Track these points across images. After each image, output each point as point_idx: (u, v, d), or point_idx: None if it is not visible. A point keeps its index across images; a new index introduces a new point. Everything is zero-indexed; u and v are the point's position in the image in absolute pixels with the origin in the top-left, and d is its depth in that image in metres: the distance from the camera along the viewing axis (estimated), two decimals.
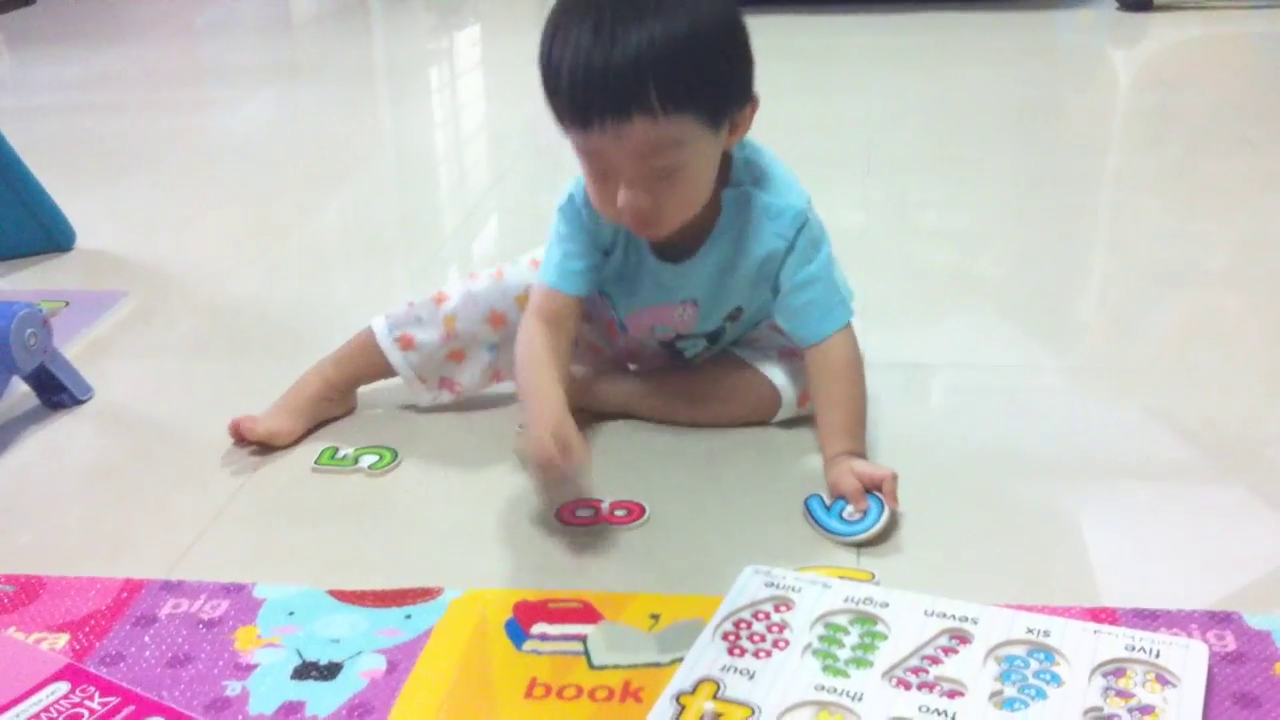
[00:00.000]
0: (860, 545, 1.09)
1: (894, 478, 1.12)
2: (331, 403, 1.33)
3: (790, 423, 1.29)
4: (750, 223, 1.19)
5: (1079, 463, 1.22)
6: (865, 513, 1.11)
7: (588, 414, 1.29)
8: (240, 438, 1.28)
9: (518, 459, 1.18)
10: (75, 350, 1.51)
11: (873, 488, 1.13)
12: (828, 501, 1.14)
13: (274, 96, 3.06)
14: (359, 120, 2.82)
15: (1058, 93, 2.74)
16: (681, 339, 1.29)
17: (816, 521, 1.12)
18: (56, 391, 1.40)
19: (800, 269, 1.19)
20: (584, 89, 1.04)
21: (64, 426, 1.37)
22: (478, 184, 2.38)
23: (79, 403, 1.41)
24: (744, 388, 1.28)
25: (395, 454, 1.26)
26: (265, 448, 1.28)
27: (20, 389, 1.39)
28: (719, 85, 1.08)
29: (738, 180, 1.19)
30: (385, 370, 1.33)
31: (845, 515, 1.12)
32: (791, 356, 1.27)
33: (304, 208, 2.17)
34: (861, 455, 1.17)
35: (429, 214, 2.21)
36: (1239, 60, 3.01)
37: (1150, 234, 1.87)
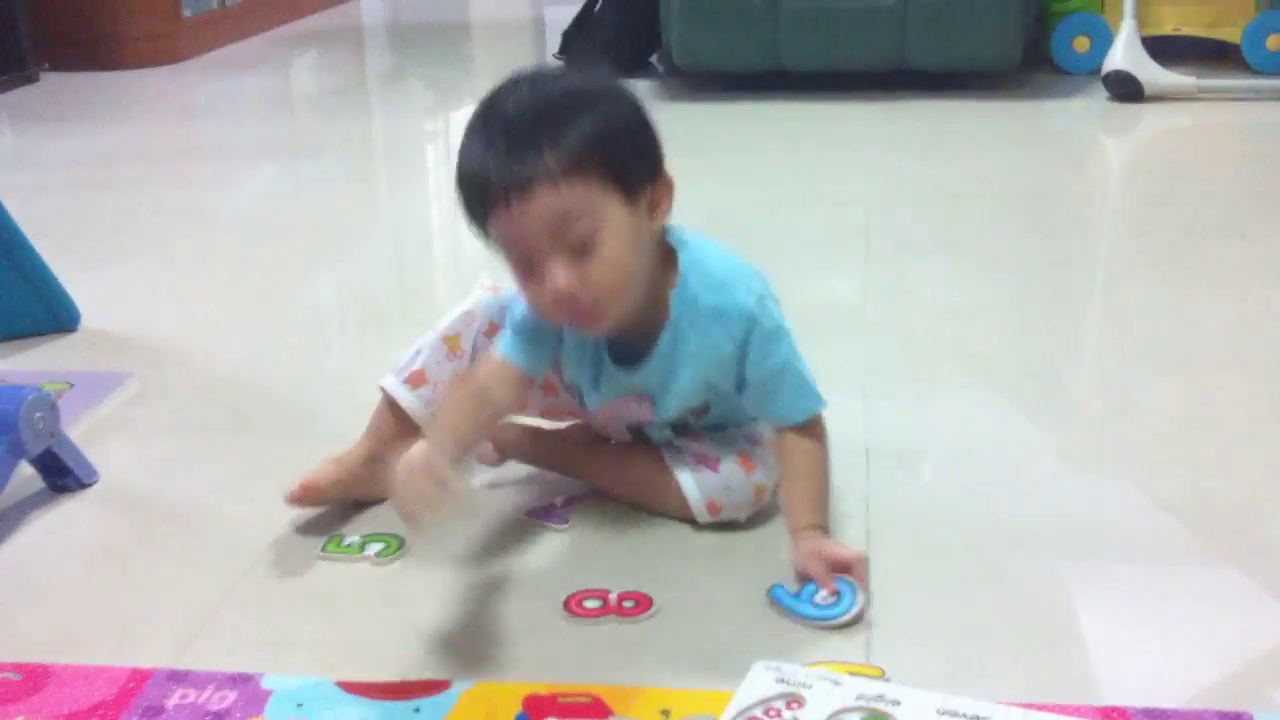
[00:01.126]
0: (837, 628, 1.09)
1: (862, 560, 1.14)
2: (369, 480, 1.31)
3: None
4: (698, 325, 1.18)
5: (1081, 544, 1.23)
6: (838, 596, 1.11)
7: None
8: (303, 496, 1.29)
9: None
10: (79, 431, 1.51)
11: (841, 571, 1.13)
12: (794, 589, 1.14)
13: (274, 172, 3.08)
14: (357, 196, 2.85)
15: (1052, 178, 2.78)
16: (647, 426, 1.30)
17: (787, 609, 1.12)
18: (62, 475, 1.39)
19: (761, 365, 1.19)
20: (482, 171, 1.08)
21: (69, 510, 1.37)
22: (473, 257, 2.40)
23: (84, 486, 1.41)
24: (656, 486, 1.28)
25: (401, 541, 1.26)
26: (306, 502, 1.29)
27: (26, 472, 1.38)
28: (619, 152, 1.09)
29: (685, 282, 1.18)
30: (411, 426, 1.31)
31: (818, 600, 1.12)
32: (706, 465, 1.26)
33: (305, 283, 2.19)
34: (826, 530, 1.19)
35: (426, 288, 2.24)
36: (1229, 150, 3.05)
37: (1145, 316, 1.89)
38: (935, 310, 1.95)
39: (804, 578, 1.15)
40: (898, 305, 1.98)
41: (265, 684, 1.04)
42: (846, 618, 1.10)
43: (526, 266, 1.11)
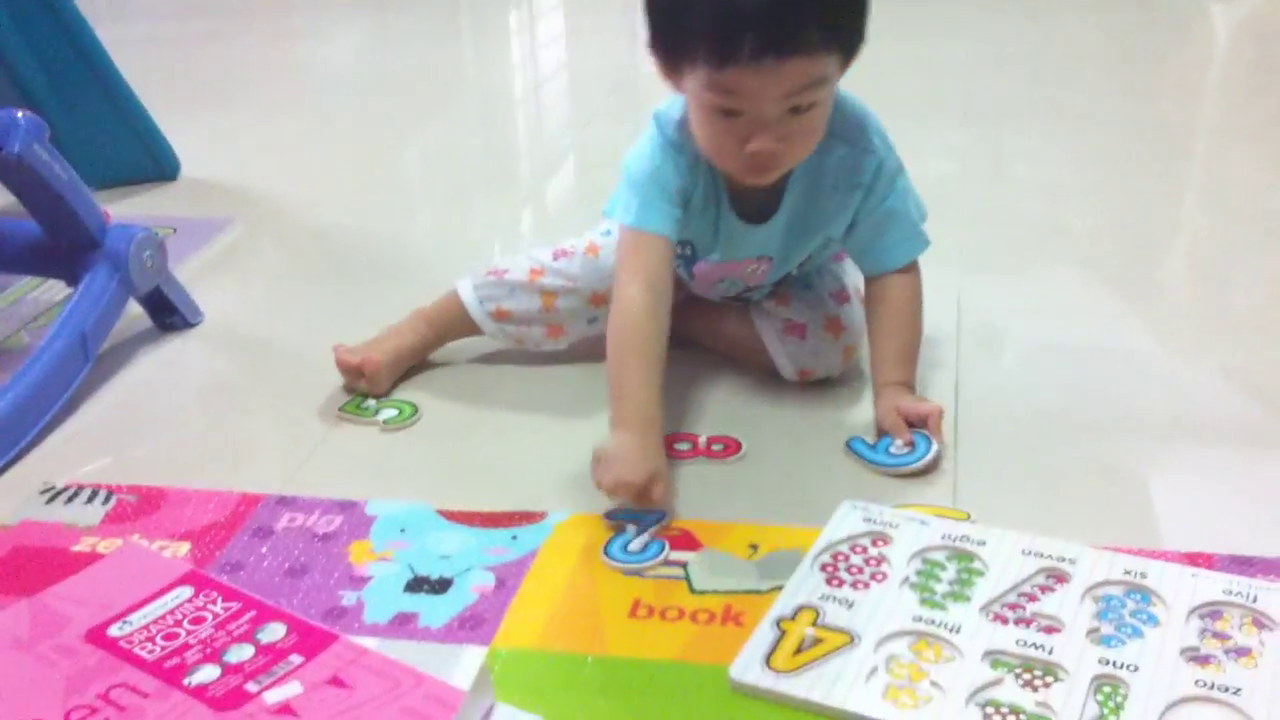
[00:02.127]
0: (909, 475, 1.11)
1: (940, 413, 1.15)
2: (425, 354, 1.34)
3: None
4: (827, 175, 1.17)
5: (1172, 414, 1.23)
6: (912, 446, 1.13)
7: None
8: (341, 364, 1.30)
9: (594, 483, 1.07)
10: (183, 275, 1.55)
11: (918, 423, 1.15)
12: (871, 440, 1.16)
13: (363, 28, 3.10)
14: (444, 53, 2.86)
15: (1156, 44, 2.70)
16: (749, 291, 1.29)
17: (862, 458, 1.14)
18: (169, 313, 1.44)
19: (878, 206, 1.19)
20: (739, 23, 0.99)
21: (176, 347, 1.42)
22: (558, 123, 2.40)
23: (190, 325, 1.45)
24: (748, 350, 1.29)
25: (415, 409, 1.26)
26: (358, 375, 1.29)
27: (133, 311, 1.43)
28: (859, 27, 1.07)
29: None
30: (477, 331, 1.33)
31: (892, 450, 1.14)
32: (797, 333, 1.26)
33: (398, 138, 2.21)
34: (911, 387, 1.19)
35: (511, 150, 2.25)
36: None
37: (1246, 187, 1.85)
38: (1031, 183, 1.92)
39: (882, 432, 1.16)
40: (994, 177, 1.95)
41: (369, 510, 1.09)
42: (919, 465, 1.11)
43: (730, 114, 1.05)
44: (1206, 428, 1.20)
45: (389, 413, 1.26)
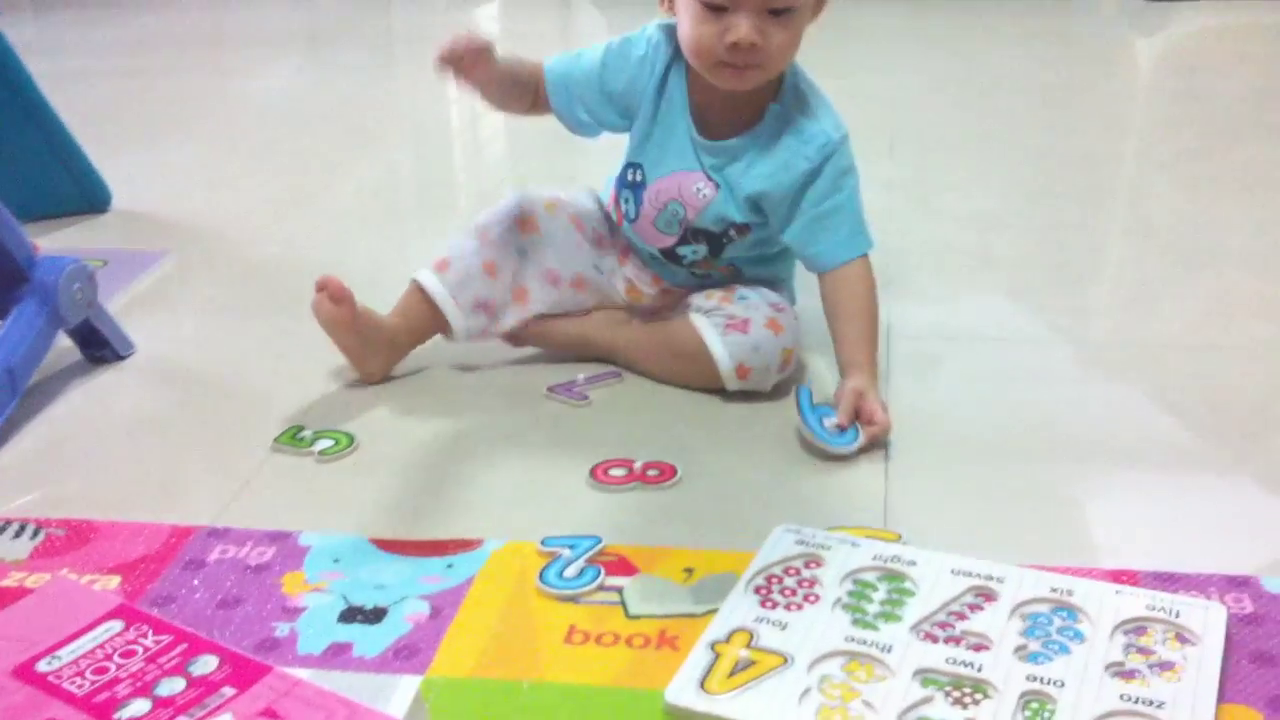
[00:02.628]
0: (829, 456, 1.17)
1: (885, 429, 1.20)
2: (403, 340, 1.37)
3: (810, 380, 1.32)
4: (782, 140, 1.27)
5: (1097, 437, 1.25)
6: (842, 431, 1.18)
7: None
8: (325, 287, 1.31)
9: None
10: (114, 308, 1.53)
11: (864, 420, 1.20)
12: (816, 399, 1.22)
13: (297, 62, 3.10)
14: (378, 88, 2.87)
15: (1081, 76, 2.76)
16: (685, 239, 1.33)
17: (801, 410, 1.20)
18: (99, 346, 1.43)
19: (827, 197, 1.27)
20: None
21: (107, 380, 1.41)
22: (496, 154, 2.41)
23: (121, 358, 1.44)
24: (684, 353, 1.31)
25: (351, 439, 1.25)
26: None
27: (63, 343, 1.42)
28: None
29: (785, 98, 1.28)
30: (435, 319, 1.36)
31: (826, 423, 1.19)
32: (738, 328, 1.28)
33: (332, 171, 2.20)
34: (873, 375, 1.25)
35: (448, 180, 2.26)
36: (1260, 50, 3.02)
37: (1170, 215, 1.89)
38: (959, 210, 1.95)
39: (832, 402, 1.23)
40: (921, 205, 1.98)
41: (303, 540, 1.08)
42: (836, 448, 1.17)
43: (717, 9, 1.18)
44: (1132, 450, 1.23)
45: (325, 443, 1.25)
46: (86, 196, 1.90)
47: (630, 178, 1.34)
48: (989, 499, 1.14)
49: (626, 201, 1.35)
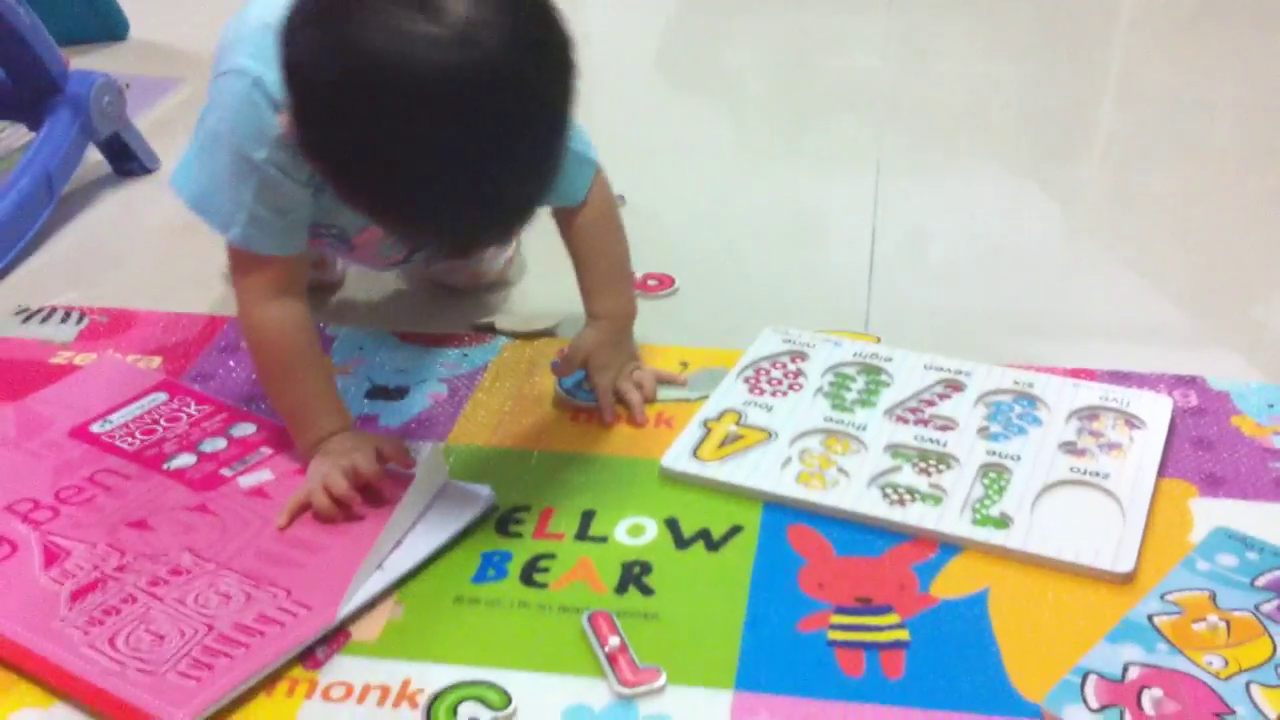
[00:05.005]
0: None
1: (642, 405, 1.05)
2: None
3: (807, 214, 1.40)
4: None
5: (1068, 260, 1.33)
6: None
7: None
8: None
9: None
10: (138, 128, 1.60)
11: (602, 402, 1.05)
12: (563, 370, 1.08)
13: None
14: None
15: None
16: (413, 252, 1.12)
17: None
18: (128, 160, 1.50)
19: None
20: (509, 219, 0.85)
21: (137, 190, 1.48)
22: None
23: (148, 171, 1.51)
24: None
25: None
26: None
27: (93, 158, 1.49)
28: None
29: None
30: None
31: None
32: None
33: None
34: (624, 318, 1.10)
35: None
36: None
37: (1160, 98, 1.91)
38: (952, 78, 1.98)
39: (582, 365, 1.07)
40: (915, 69, 2.02)
41: (329, 331, 1.17)
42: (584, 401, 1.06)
43: None
44: (1099, 268, 1.32)
45: None
46: (105, 24, 1.95)
47: (326, 232, 1.04)
48: (963, 310, 1.23)
49: (333, 248, 1.11)
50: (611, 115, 1.79)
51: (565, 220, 1.08)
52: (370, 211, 0.84)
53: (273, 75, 0.85)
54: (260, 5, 0.92)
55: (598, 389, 1.05)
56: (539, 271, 1.29)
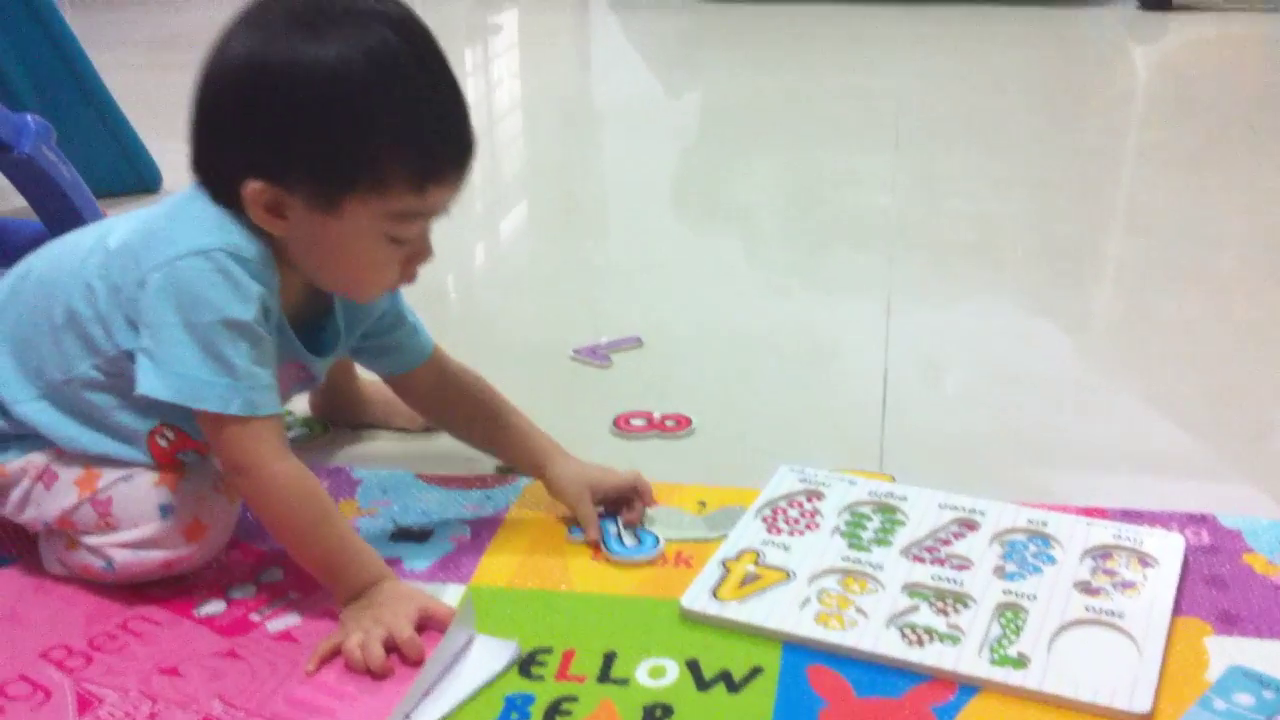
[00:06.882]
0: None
1: (633, 485, 1.12)
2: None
3: (820, 347, 1.44)
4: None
5: (1089, 429, 1.32)
6: (638, 539, 1.09)
7: None
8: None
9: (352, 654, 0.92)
10: None
11: (623, 494, 1.11)
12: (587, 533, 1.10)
13: None
14: None
15: (1079, 81, 2.88)
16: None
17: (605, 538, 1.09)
18: None
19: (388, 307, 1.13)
20: (465, 131, 0.98)
21: None
22: (511, 158, 2.53)
23: None
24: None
25: (326, 427, 1.31)
26: None
27: None
28: None
29: None
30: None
31: (626, 541, 1.09)
32: None
33: None
34: (561, 451, 1.14)
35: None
36: (1251, 57, 3.14)
37: (1166, 220, 1.97)
38: (962, 210, 2.04)
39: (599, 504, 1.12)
40: (925, 203, 2.08)
41: (355, 474, 1.20)
42: (651, 556, 1.07)
43: (399, 240, 0.98)
44: (1108, 406, 1.35)
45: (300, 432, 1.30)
46: (138, 176, 2.02)
47: (300, 376, 1.09)
48: (976, 440, 1.26)
49: (307, 385, 1.14)
50: (627, 251, 1.85)
51: (431, 378, 1.16)
52: (354, 163, 0.93)
53: (228, 239, 0.95)
54: (121, 227, 1.05)
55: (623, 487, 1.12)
56: None
